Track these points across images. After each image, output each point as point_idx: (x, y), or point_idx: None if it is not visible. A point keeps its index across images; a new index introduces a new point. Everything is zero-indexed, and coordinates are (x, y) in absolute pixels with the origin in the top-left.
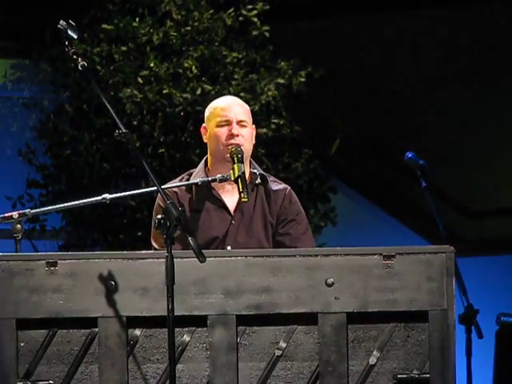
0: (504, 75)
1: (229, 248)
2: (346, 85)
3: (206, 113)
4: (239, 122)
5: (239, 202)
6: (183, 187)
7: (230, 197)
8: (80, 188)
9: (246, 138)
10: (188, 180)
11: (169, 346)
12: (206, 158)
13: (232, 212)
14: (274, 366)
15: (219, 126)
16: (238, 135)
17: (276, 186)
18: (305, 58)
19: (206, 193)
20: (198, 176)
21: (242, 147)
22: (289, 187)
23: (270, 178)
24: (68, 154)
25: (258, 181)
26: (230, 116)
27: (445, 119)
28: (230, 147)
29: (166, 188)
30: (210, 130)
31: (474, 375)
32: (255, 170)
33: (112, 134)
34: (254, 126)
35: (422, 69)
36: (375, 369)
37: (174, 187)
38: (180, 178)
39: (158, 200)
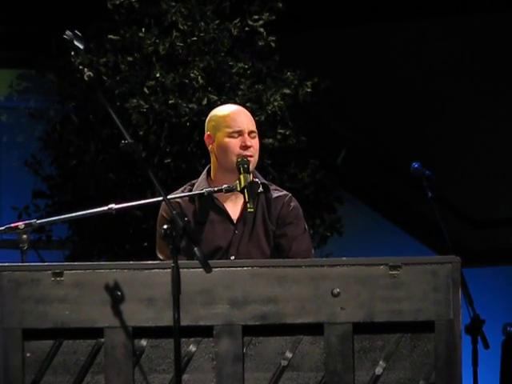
0: None
1: (232, 258)
2: (352, 95)
3: (211, 122)
4: (250, 133)
5: (242, 212)
6: (186, 198)
7: (233, 207)
8: (86, 198)
9: (256, 148)
10: (190, 191)
11: (175, 356)
12: (209, 168)
13: (235, 222)
14: (280, 376)
15: (230, 136)
16: (250, 146)
17: (277, 193)
18: (311, 68)
19: (208, 203)
20: (200, 186)
21: (252, 158)
22: (290, 194)
23: (272, 187)
24: (74, 165)
25: (260, 189)
26: (242, 127)
27: (451, 129)
28: (237, 159)
29: (171, 198)
30: (218, 139)
31: None
32: (257, 179)
33: (118, 145)
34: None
35: (429, 79)
36: (381, 379)
37: (179, 197)
38: (182, 188)
39: (162, 211)
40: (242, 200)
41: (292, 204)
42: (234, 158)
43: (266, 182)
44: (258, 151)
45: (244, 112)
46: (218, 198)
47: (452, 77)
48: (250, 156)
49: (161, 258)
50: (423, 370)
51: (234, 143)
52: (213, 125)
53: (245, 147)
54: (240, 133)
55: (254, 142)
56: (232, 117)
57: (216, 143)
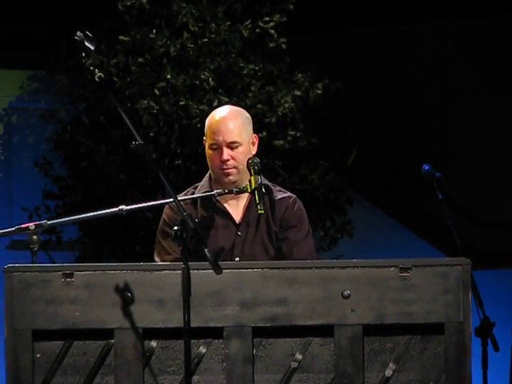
0: None
1: (237, 259)
2: (362, 97)
3: (206, 123)
4: (229, 144)
5: (245, 213)
6: (188, 200)
7: (235, 208)
8: (96, 199)
9: (238, 158)
10: (193, 193)
11: (185, 357)
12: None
13: (238, 223)
14: (290, 378)
15: (211, 148)
16: (227, 160)
17: (281, 195)
18: (321, 69)
19: (210, 206)
20: (203, 189)
21: (232, 170)
22: (294, 196)
23: (276, 188)
24: (84, 166)
25: (263, 191)
26: (218, 140)
27: (461, 131)
28: (222, 171)
29: (182, 200)
30: (206, 147)
31: None
32: (261, 182)
33: (128, 146)
34: (254, 135)
35: (440, 80)
36: (391, 381)
37: (189, 199)
38: (185, 191)
39: (164, 215)
40: (244, 202)
41: (296, 206)
42: (217, 171)
43: (268, 183)
44: (242, 159)
45: (225, 122)
46: (220, 201)
47: (463, 79)
48: (228, 169)
49: (157, 260)
50: (433, 372)
51: (214, 156)
52: (205, 129)
53: (221, 162)
54: (217, 145)
55: (235, 153)
56: (213, 128)
57: (206, 150)
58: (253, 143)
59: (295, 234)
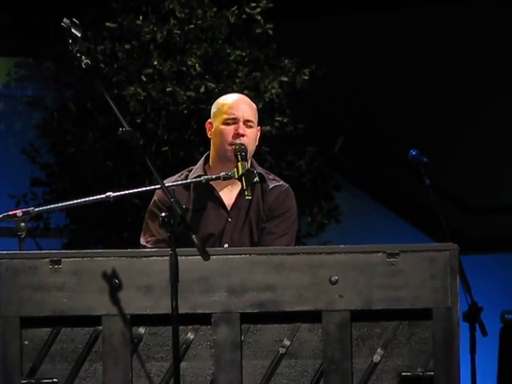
0: (511, 73)
1: (226, 246)
2: (349, 82)
3: (213, 108)
4: (246, 122)
5: (236, 200)
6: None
7: (228, 195)
8: (84, 186)
9: (251, 138)
10: (187, 176)
11: (173, 344)
12: (207, 155)
13: (229, 210)
14: (278, 363)
15: (225, 123)
16: (243, 135)
17: (273, 183)
18: (308, 55)
19: (203, 190)
20: (196, 173)
21: (245, 146)
22: (287, 185)
23: (270, 177)
24: (72, 153)
25: (256, 179)
26: (237, 114)
27: (449, 116)
28: (233, 146)
29: (169, 186)
30: (215, 126)
31: (479, 372)
32: (253, 169)
33: (116, 132)
34: (259, 127)
35: (427, 66)
36: (379, 366)
37: (176, 185)
38: (179, 174)
39: (156, 197)
40: (238, 189)
41: (287, 197)
42: (227, 146)
43: (263, 172)
44: (252, 141)
45: (245, 101)
46: (214, 186)
47: (450, 64)
48: (241, 144)
49: (142, 241)
50: (421, 357)
51: (228, 130)
52: (214, 111)
53: (237, 135)
54: (235, 120)
55: (249, 132)
56: (230, 104)
57: (213, 129)
58: (257, 134)
59: (277, 225)
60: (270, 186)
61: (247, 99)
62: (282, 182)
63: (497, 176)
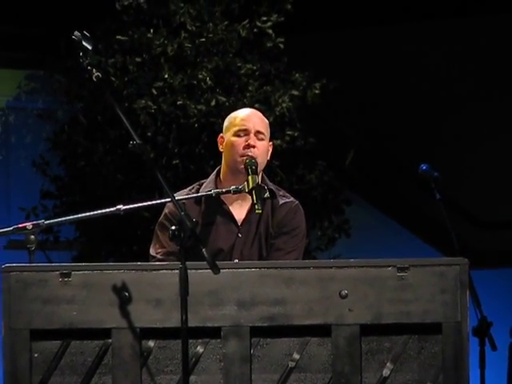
0: None
1: (236, 261)
2: (360, 96)
3: (226, 122)
4: (257, 134)
5: (247, 215)
6: (192, 199)
7: (239, 209)
8: (94, 199)
9: (261, 151)
10: (198, 190)
11: (182, 357)
12: (219, 169)
13: (239, 225)
14: (288, 377)
15: (236, 135)
16: (254, 146)
17: (283, 200)
18: (319, 69)
19: (214, 204)
20: (208, 187)
21: (255, 159)
22: (297, 202)
23: (280, 193)
24: (82, 165)
25: (267, 195)
26: (248, 126)
27: (459, 131)
28: (243, 158)
29: (179, 200)
30: (226, 139)
31: None
32: (263, 185)
33: (126, 146)
34: (271, 142)
35: (437, 81)
36: (389, 381)
37: (187, 199)
38: (190, 187)
39: (166, 209)
40: (248, 204)
41: (296, 213)
42: (238, 158)
43: (273, 187)
44: (263, 154)
45: (257, 114)
46: (225, 201)
47: (460, 79)
48: (251, 156)
49: (151, 251)
50: (430, 371)
51: (239, 142)
52: (226, 125)
53: (247, 146)
54: (246, 132)
55: (260, 144)
56: (242, 117)
57: (225, 142)
58: (269, 149)
59: (285, 241)
60: (280, 202)
61: (259, 113)
62: (291, 199)
63: (506, 190)
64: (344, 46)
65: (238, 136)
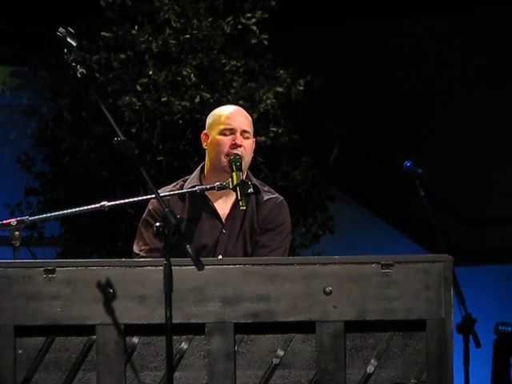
0: (507, 86)
1: (220, 257)
2: (344, 93)
3: (209, 119)
4: (243, 133)
5: (231, 211)
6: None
7: (223, 205)
8: (78, 195)
9: (247, 149)
10: (182, 186)
11: (167, 353)
12: (203, 165)
13: (223, 221)
14: (272, 374)
15: (222, 133)
16: (240, 145)
17: (268, 195)
18: (303, 66)
19: (198, 200)
20: (192, 183)
21: (241, 157)
22: (281, 198)
23: (265, 188)
24: (66, 162)
25: (251, 191)
26: (234, 125)
27: (443, 128)
28: (229, 156)
29: (163, 196)
30: (211, 137)
31: None
32: (247, 180)
33: (110, 142)
34: (254, 138)
35: (421, 77)
36: (373, 377)
37: (171, 195)
38: (174, 184)
39: (150, 206)
40: (233, 200)
41: (281, 210)
42: (223, 157)
43: (258, 183)
44: (249, 152)
45: (242, 112)
46: (209, 197)
47: (444, 75)
48: (237, 154)
49: (135, 249)
50: (415, 368)
51: (225, 141)
52: (209, 123)
53: (234, 145)
54: (232, 131)
55: (246, 143)
56: (227, 115)
57: (209, 140)
58: (252, 145)
59: (270, 238)
60: (265, 198)
61: (244, 111)
62: (276, 195)
63: (491, 187)
64: (328, 43)
65: (224, 135)
